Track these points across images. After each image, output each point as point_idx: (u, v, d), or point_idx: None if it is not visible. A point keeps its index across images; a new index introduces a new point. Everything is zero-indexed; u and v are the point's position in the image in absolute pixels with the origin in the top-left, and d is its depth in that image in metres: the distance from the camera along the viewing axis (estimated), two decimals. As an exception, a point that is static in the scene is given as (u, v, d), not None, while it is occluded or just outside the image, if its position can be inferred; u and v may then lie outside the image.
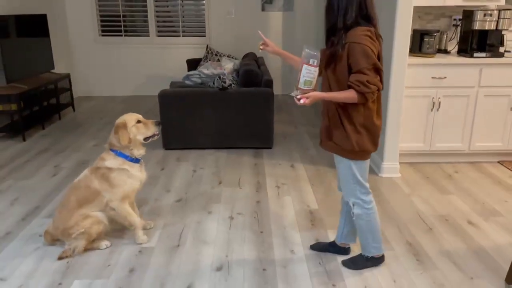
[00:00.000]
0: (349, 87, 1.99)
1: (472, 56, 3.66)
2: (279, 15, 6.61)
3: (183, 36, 6.72)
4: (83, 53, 6.70)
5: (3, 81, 4.60)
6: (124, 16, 6.65)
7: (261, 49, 2.29)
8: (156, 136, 2.63)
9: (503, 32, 3.79)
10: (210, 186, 3.48)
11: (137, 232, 2.62)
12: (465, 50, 3.85)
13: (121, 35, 6.69)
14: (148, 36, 6.69)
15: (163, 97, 4.19)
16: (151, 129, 2.59)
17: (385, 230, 2.78)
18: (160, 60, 6.79)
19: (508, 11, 3.64)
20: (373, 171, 3.75)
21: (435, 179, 3.60)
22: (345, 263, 2.41)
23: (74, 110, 5.89)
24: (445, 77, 3.63)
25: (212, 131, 4.27)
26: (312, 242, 2.63)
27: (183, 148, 4.34)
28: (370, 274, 2.34)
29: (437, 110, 3.71)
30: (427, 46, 3.71)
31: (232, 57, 5.99)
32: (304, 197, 3.28)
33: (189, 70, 6.02)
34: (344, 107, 2.08)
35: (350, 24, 1.97)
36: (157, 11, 6.64)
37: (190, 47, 6.72)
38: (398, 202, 3.19)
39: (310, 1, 6.55)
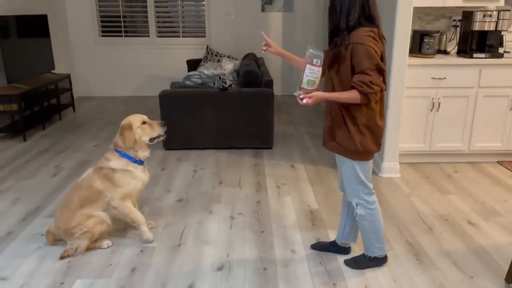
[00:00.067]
0: (352, 87, 2.00)
1: (471, 57, 3.67)
2: (279, 16, 6.63)
3: (183, 36, 6.74)
4: (83, 54, 6.71)
5: (4, 81, 4.61)
6: (124, 16, 6.66)
7: (264, 50, 2.29)
8: (162, 137, 2.64)
9: (502, 33, 3.80)
10: (211, 186, 3.49)
11: (142, 229, 2.60)
12: (464, 50, 3.86)
13: (121, 36, 6.70)
14: (148, 36, 6.70)
15: (164, 97, 4.20)
16: (157, 130, 2.60)
17: (385, 230, 2.79)
18: (160, 60, 6.80)
19: (508, 12, 3.65)
20: (373, 171, 3.76)
21: (435, 179, 3.61)
22: (347, 263, 2.42)
23: (74, 110, 5.90)
24: (445, 78, 3.64)
25: (213, 132, 4.28)
26: (313, 242, 2.64)
27: (184, 148, 4.35)
28: (371, 273, 2.35)
29: (437, 110, 3.73)
30: (427, 46, 3.72)
31: (232, 58, 6.00)
32: (304, 197, 3.29)
33: (189, 70, 6.04)
34: (347, 107, 2.08)
35: (353, 25, 1.98)
36: (157, 12, 6.66)
37: (190, 47, 6.73)
38: (398, 202, 3.20)
39: (310, 1, 6.57)
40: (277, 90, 6.84)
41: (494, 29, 3.70)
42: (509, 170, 3.79)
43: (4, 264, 2.44)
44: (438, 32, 3.77)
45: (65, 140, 4.66)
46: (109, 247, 2.60)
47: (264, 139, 4.33)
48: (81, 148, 4.42)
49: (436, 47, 3.85)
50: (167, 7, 6.68)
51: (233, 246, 2.62)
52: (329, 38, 2.09)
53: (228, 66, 5.19)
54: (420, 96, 3.68)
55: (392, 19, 3.36)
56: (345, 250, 2.52)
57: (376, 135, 2.13)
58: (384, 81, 2.02)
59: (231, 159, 4.10)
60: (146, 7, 6.60)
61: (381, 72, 1.99)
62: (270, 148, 4.39)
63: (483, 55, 3.67)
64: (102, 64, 6.78)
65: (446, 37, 4.00)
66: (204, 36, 6.73)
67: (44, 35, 5.39)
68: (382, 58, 2.02)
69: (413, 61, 3.59)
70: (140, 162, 2.58)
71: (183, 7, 6.65)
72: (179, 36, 6.73)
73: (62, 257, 2.47)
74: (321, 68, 1.99)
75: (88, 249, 2.53)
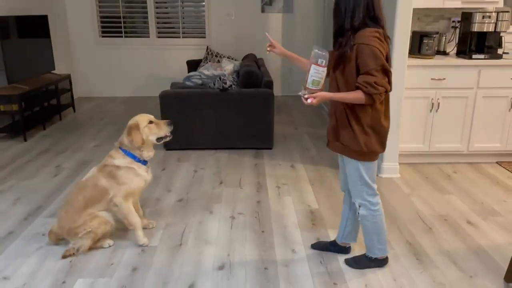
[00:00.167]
0: (357, 88, 2.00)
1: (470, 58, 3.69)
2: (279, 17, 6.64)
3: (183, 37, 6.75)
4: (83, 54, 6.72)
5: (5, 81, 4.62)
6: (124, 17, 6.67)
7: (269, 51, 2.29)
8: (168, 138, 2.64)
9: (501, 34, 3.82)
10: (211, 186, 3.50)
11: (137, 233, 2.62)
12: (464, 51, 3.88)
13: (122, 36, 6.72)
14: (148, 37, 6.71)
15: (164, 98, 4.21)
16: (164, 130, 2.61)
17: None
18: (160, 61, 6.81)
19: (506, 13, 3.67)
20: (373, 171, 3.78)
21: (434, 179, 3.63)
22: (347, 262, 2.43)
23: (74, 110, 5.91)
24: (444, 79, 3.66)
25: (213, 132, 4.29)
26: (313, 242, 2.65)
27: (184, 148, 4.36)
28: (371, 273, 2.36)
29: (436, 111, 3.74)
30: (426, 47, 3.74)
31: (232, 58, 6.02)
32: (304, 197, 3.30)
33: (189, 71, 6.05)
34: (352, 108, 2.08)
35: (357, 26, 1.98)
36: (157, 12, 6.67)
37: (190, 48, 6.74)
38: (398, 202, 3.21)
39: (310, 2, 6.59)
40: (277, 90, 6.85)
41: (493, 30, 3.72)
42: (508, 170, 3.81)
43: (6, 264, 2.44)
44: (437, 33, 3.79)
45: (65, 140, 4.66)
46: (110, 246, 2.61)
47: (264, 139, 4.34)
48: (81, 148, 4.43)
49: (436, 48, 3.87)
50: (166, 7, 6.69)
51: (234, 246, 2.63)
52: (334, 39, 2.09)
53: (228, 67, 5.21)
54: (419, 97, 3.70)
55: (392, 20, 3.37)
56: (345, 250, 2.53)
57: (381, 135, 2.12)
58: (389, 82, 2.01)
59: (232, 159, 4.12)
60: (146, 7, 6.61)
61: (386, 72, 1.99)
62: (270, 149, 4.41)
63: (482, 56, 3.69)
64: (102, 64, 6.79)
65: (445, 38, 4.01)
66: (204, 37, 6.74)
67: (44, 35, 5.40)
68: (388, 59, 2.02)
69: (412, 62, 3.61)
70: (144, 162, 2.59)
71: (183, 7, 6.67)
72: (179, 37, 6.75)
73: (64, 256, 2.48)
74: (326, 68, 1.99)
75: (90, 249, 2.54)
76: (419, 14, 4.10)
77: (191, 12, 6.72)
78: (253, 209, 3.11)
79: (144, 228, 2.81)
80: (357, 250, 2.56)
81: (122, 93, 6.93)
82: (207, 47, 6.19)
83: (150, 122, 2.58)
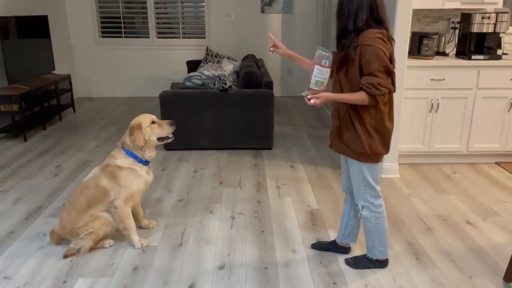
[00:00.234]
0: (360, 89, 1.99)
1: (470, 59, 3.70)
2: (279, 17, 6.66)
3: (183, 37, 6.76)
4: (83, 54, 6.73)
5: (5, 82, 4.63)
6: (124, 17, 6.68)
7: (272, 51, 2.28)
8: (170, 139, 2.64)
9: (500, 35, 3.83)
10: (211, 187, 3.51)
11: (132, 237, 2.61)
12: (463, 52, 3.89)
13: (122, 37, 6.72)
14: (148, 37, 6.72)
15: (164, 98, 4.22)
16: (166, 130, 2.61)
17: (385, 229, 2.82)
18: (160, 61, 6.82)
19: (506, 14, 3.68)
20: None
21: (434, 179, 3.64)
22: (347, 262, 2.44)
23: (74, 111, 5.92)
24: (444, 79, 3.67)
25: (213, 132, 4.30)
26: (313, 242, 2.66)
27: (184, 148, 4.37)
28: (371, 273, 2.37)
29: (436, 111, 3.75)
30: (426, 48, 3.75)
31: (232, 59, 6.02)
32: (304, 197, 3.31)
33: (189, 71, 6.06)
34: (355, 109, 2.07)
35: (361, 27, 1.97)
36: (157, 13, 6.68)
37: (190, 48, 6.75)
38: (398, 202, 3.22)
39: (309, 3, 6.60)
40: (277, 91, 6.86)
41: (492, 31, 3.73)
42: (507, 171, 3.82)
43: (7, 263, 2.45)
44: (437, 34, 3.80)
45: (65, 141, 4.67)
46: (111, 246, 2.62)
47: (264, 139, 4.35)
48: (81, 148, 4.43)
49: (435, 49, 3.88)
50: (165, 8, 6.70)
51: (234, 246, 2.64)
52: (337, 40, 2.08)
53: (228, 67, 5.22)
54: (419, 97, 3.71)
55: (392, 21, 3.38)
56: (345, 250, 2.54)
57: (385, 137, 2.11)
58: (393, 83, 2.01)
59: (231, 159, 4.13)
60: (146, 8, 6.62)
61: (390, 74, 1.99)
62: (270, 149, 4.41)
63: (481, 56, 3.70)
64: (102, 65, 6.79)
65: (444, 39, 4.03)
66: (204, 37, 6.75)
67: (44, 36, 5.41)
68: (391, 60, 2.01)
69: (412, 63, 3.62)
70: (145, 163, 2.60)
71: (183, 8, 6.68)
72: (179, 37, 6.76)
73: (65, 256, 2.49)
74: (329, 69, 1.99)
75: (91, 249, 2.55)
76: (419, 15, 4.12)
77: (191, 12, 6.73)
78: (253, 209, 3.12)
79: (144, 228, 2.82)
80: (357, 250, 2.57)
81: (122, 93, 6.94)
82: (207, 47, 6.20)
83: (153, 122, 2.58)
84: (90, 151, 4.36)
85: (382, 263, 2.40)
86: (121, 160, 2.54)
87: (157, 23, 6.71)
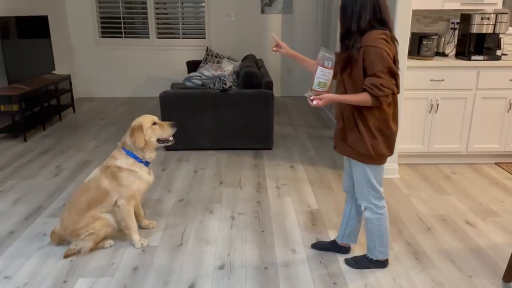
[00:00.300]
0: (364, 90, 1.99)
1: (469, 59, 3.71)
2: (278, 18, 6.66)
3: (183, 38, 6.77)
4: (83, 55, 6.73)
5: (5, 82, 4.63)
6: (124, 18, 6.68)
7: (275, 51, 2.27)
8: (170, 142, 2.64)
9: (500, 36, 3.84)
10: (211, 187, 3.51)
11: (133, 237, 2.62)
12: (463, 53, 3.90)
13: (121, 37, 6.73)
14: (148, 37, 6.73)
15: (164, 98, 4.22)
16: (167, 131, 2.60)
17: (384, 230, 2.82)
18: (160, 61, 6.82)
19: (505, 15, 3.69)
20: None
21: (434, 180, 3.65)
22: (347, 262, 2.45)
23: (74, 111, 5.92)
24: (443, 80, 3.68)
25: (213, 132, 4.31)
26: (313, 242, 2.66)
27: (184, 149, 4.37)
28: (371, 273, 2.38)
29: (435, 112, 3.76)
30: (426, 49, 3.76)
31: (232, 59, 6.03)
32: (304, 198, 3.31)
33: (189, 72, 6.06)
34: (359, 110, 2.07)
35: (364, 28, 1.97)
36: (157, 13, 6.68)
37: (190, 49, 6.76)
38: (397, 203, 3.23)
39: (309, 3, 6.61)
40: (277, 91, 6.87)
41: (492, 31, 3.74)
42: (507, 171, 3.83)
43: (7, 263, 2.45)
44: (436, 34, 3.81)
45: (65, 141, 4.67)
46: (111, 246, 2.62)
47: (264, 140, 4.36)
48: (81, 148, 4.44)
49: (435, 50, 3.89)
50: (164, 8, 6.70)
51: (234, 246, 2.64)
52: (341, 41, 2.08)
53: (228, 68, 5.22)
54: (418, 98, 3.72)
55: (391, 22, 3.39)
56: (345, 250, 2.54)
57: (389, 139, 2.11)
58: (396, 84, 2.00)
59: (231, 159, 4.13)
60: (146, 8, 6.62)
61: (394, 75, 1.98)
62: (270, 149, 4.42)
63: (481, 57, 3.70)
64: (102, 65, 6.80)
65: (444, 40, 4.03)
66: (204, 38, 6.76)
67: (44, 36, 5.41)
68: (395, 61, 2.01)
69: (412, 63, 3.63)
70: (146, 163, 2.60)
71: (182, 8, 6.68)
72: (179, 38, 6.76)
73: (66, 256, 2.49)
74: (332, 70, 1.99)
75: (92, 250, 2.55)
76: (418, 15, 4.13)
77: (191, 13, 6.74)
78: (253, 209, 3.13)
79: (145, 228, 2.82)
80: (357, 250, 2.58)
81: (122, 93, 6.94)
82: (207, 48, 6.21)
83: (154, 123, 2.58)
84: (90, 151, 4.36)
85: (382, 263, 2.40)
86: (122, 160, 2.54)
87: (157, 24, 6.72)
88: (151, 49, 6.76)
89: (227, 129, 4.30)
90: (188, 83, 4.79)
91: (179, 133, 4.26)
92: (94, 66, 6.79)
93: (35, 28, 5.21)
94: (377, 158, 2.12)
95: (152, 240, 2.70)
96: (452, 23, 4.15)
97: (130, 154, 2.55)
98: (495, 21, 3.71)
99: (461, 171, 3.84)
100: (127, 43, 6.73)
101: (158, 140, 2.60)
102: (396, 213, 3.06)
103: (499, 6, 3.72)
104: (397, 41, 2.06)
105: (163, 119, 4.20)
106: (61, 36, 6.37)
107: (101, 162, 2.66)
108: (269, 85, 4.32)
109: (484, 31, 3.73)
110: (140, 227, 2.79)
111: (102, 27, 6.69)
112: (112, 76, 6.85)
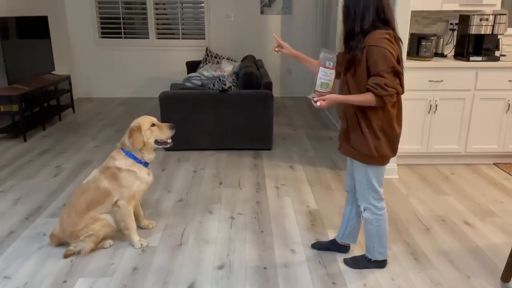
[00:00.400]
0: (368, 90, 1.98)
1: (468, 60, 3.72)
2: (278, 18, 6.67)
3: (182, 38, 6.77)
4: (83, 55, 6.74)
5: (5, 82, 4.64)
6: (124, 18, 6.69)
7: (277, 51, 2.27)
8: (169, 144, 2.64)
9: (498, 37, 3.85)
10: (211, 187, 3.52)
11: (133, 237, 2.62)
12: (461, 54, 3.91)
13: (121, 37, 6.74)
14: (148, 38, 6.73)
15: (164, 98, 4.23)
16: (165, 133, 2.61)
17: (383, 230, 2.83)
18: (160, 62, 6.83)
19: (504, 16, 3.70)
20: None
21: (432, 180, 3.66)
22: (346, 262, 2.46)
23: (74, 111, 5.93)
24: (442, 80, 3.69)
25: (212, 133, 4.31)
26: (312, 242, 2.67)
27: (184, 149, 4.38)
28: (370, 273, 2.39)
29: (434, 112, 3.77)
30: (424, 50, 3.77)
31: (231, 60, 6.04)
32: (303, 198, 3.32)
33: (188, 72, 6.07)
34: (363, 111, 2.06)
35: (367, 28, 1.97)
36: (156, 14, 6.69)
37: (190, 49, 6.77)
38: (396, 203, 3.24)
39: (309, 4, 6.62)
40: (276, 92, 6.88)
41: (490, 32, 3.75)
42: (505, 171, 3.84)
43: (7, 263, 2.46)
44: (435, 35, 3.82)
45: (65, 141, 4.68)
46: (111, 246, 2.63)
47: (263, 140, 4.36)
48: (81, 148, 4.44)
49: (434, 50, 3.90)
50: (164, 9, 6.71)
51: (234, 246, 2.65)
52: (344, 42, 2.08)
53: (228, 68, 5.23)
54: (417, 99, 3.73)
55: (390, 23, 3.40)
56: (345, 248, 2.55)
57: (392, 140, 2.10)
58: (400, 84, 1.99)
59: (231, 160, 4.14)
60: (145, 9, 6.63)
61: (397, 74, 1.98)
62: (269, 149, 4.43)
63: (479, 58, 3.72)
64: (102, 65, 6.81)
65: (443, 41, 4.05)
66: (204, 38, 6.77)
67: (44, 36, 5.42)
68: (399, 61, 2.00)
69: (410, 64, 3.64)
70: (145, 164, 2.61)
71: (182, 9, 6.69)
72: (178, 38, 6.77)
73: (66, 256, 2.50)
74: (334, 70, 1.99)
75: (92, 251, 2.56)
76: (417, 16, 4.14)
77: (191, 13, 6.75)
78: (252, 209, 3.14)
79: (144, 228, 2.83)
80: (356, 250, 2.59)
81: (122, 94, 6.95)
82: (207, 48, 6.22)
83: (153, 124, 2.59)
84: (90, 151, 4.37)
85: (381, 263, 2.41)
86: (121, 161, 2.55)
87: (157, 24, 6.73)
88: (150, 49, 6.77)
89: (226, 130, 4.31)
90: (187, 84, 4.80)
91: (179, 134, 4.27)
92: (93, 67, 6.80)
93: (35, 28, 5.21)
94: (380, 159, 2.12)
95: (151, 240, 2.71)
96: (451, 24, 4.17)
97: (129, 154, 2.56)
98: (494, 22, 3.72)
99: (460, 171, 3.85)
100: (127, 43, 6.74)
101: (156, 142, 2.60)
102: (395, 214, 3.07)
103: (498, 7, 3.73)
104: (401, 41, 2.06)
105: (163, 119, 4.21)
106: (61, 36, 6.38)
107: (101, 162, 2.67)
108: (269, 85, 4.33)
109: (482, 32, 3.75)
110: (139, 227, 2.80)
111: (102, 28, 6.70)
112: (111, 76, 6.86)
